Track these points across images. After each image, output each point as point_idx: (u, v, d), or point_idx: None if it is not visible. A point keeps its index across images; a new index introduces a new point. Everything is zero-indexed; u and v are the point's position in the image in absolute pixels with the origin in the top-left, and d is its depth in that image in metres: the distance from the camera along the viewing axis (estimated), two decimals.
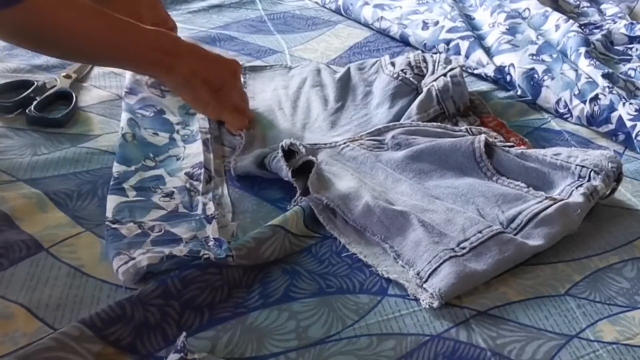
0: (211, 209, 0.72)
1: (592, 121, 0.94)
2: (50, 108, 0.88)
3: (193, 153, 0.81)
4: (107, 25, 0.78)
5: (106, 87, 0.94)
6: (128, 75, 0.94)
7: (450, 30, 1.11)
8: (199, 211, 0.71)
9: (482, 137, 0.80)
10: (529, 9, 1.20)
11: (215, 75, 0.84)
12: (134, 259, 0.62)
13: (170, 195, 0.74)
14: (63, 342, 0.54)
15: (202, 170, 0.77)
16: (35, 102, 0.86)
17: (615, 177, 0.77)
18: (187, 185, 0.75)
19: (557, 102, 0.97)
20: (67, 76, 0.93)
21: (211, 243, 0.66)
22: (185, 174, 0.77)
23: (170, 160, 0.80)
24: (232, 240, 0.68)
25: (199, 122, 0.86)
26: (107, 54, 0.79)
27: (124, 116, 0.85)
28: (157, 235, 0.67)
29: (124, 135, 0.81)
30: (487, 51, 1.07)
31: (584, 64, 1.00)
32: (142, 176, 0.76)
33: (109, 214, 0.69)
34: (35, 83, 0.90)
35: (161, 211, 0.71)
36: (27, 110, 0.85)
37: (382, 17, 1.18)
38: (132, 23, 0.80)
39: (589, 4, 1.31)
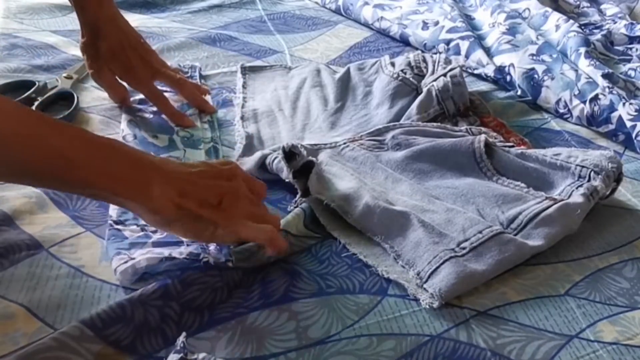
0: None
1: (592, 121, 0.94)
2: (52, 109, 0.88)
3: (195, 160, 0.81)
4: (50, 128, 0.56)
5: None
6: None
7: (450, 30, 1.11)
8: None
9: (482, 137, 0.80)
10: (529, 9, 1.20)
11: (210, 190, 0.63)
12: (133, 259, 0.63)
13: None
14: (63, 342, 0.54)
15: None
16: (36, 103, 0.86)
17: (615, 177, 0.77)
18: None
19: (557, 102, 0.97)
20: (69, 77, 0.93)
21: (212, 247, 0.66)
22: None
23: None
24: (233, 245, 0.66)
25: (202, 132, 0.86)
26: (50, 165, 0.55)
27: (124, 117, 0.85)
28: (158, 238, 0.67)
29: (124, 137, 0.81)
30: (487, 51, 1.07)
31: (584, 64, 1.00)
32: None
33: (112, 212, 0.69)
34: (37, 83, 0.90)
35: None
36: None
37: (382, 17, 1.18)
38: (81, 129, 0.63)
39: (589, 4, 1.31)
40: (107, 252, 0.65)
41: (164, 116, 0.88)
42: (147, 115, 0.88)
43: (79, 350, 0.54)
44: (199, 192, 0.61)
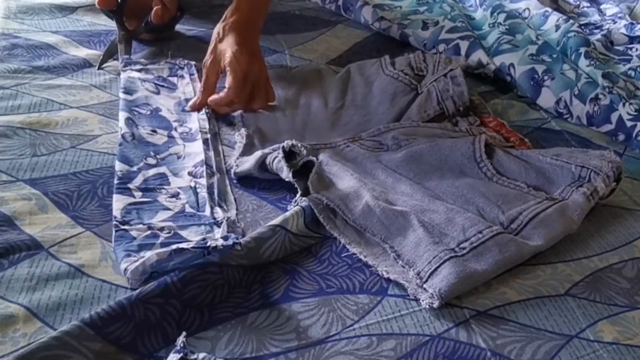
0: (219, 213, 0.72)
1: (592, 121, 0.94)
2: None
3: (194, 152, 0.81)
4: None
5: (106, 87, 0.94)
6: (122, 75, 0.95)
7: (450, 30, 1.11)
8: (207, 213, 0.71)
9: (482, 137, 0.80)
10: (529, 9, 1.20)
11: None
12: (142, 257, 0.63)
13: (175, 196, 0.74)
14: (63, 341, 0.54)
15: (204, 167, 0.77)
16: None
17: (615, 177, 0.77)
18: (192, 184, 0.75)
19: (557, 102, 0.97)
20: None
21: (219, 236, 0.66)
22: (189, 173, 0.77)
23: (172, 158, 0.80)
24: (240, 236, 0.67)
25: (199, 123, 0.86)
26: None
27: (122, 115, 0.85)
28: (166, 238, 0.67)
29: (123, 135, 0.82)
30: (487, 51, 1.08)
31: (584, 64, 1.00)
32: (146, 175, 0.76)
33: (116, 213, 0.69)
34: None
35: (168, 212, 0.71)
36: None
37: (382, 17, 1.18)
38: None
39: (589, 4, 1.31)
40: (116, 255, 0.65)
41: (161, 113, 0.88)
42: (143, 111, 0.88)
43: (79, 349, 0.54)
44: None
